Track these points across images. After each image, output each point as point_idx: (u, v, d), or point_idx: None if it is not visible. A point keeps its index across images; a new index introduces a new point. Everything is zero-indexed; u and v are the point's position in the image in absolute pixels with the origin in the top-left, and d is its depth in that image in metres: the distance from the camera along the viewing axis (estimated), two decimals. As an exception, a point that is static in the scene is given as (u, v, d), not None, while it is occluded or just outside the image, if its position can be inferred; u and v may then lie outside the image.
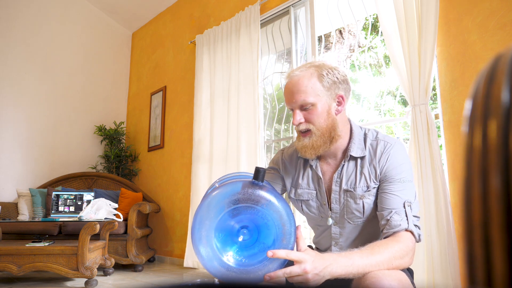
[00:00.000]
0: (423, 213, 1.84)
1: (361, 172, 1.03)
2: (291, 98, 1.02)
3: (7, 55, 3.81)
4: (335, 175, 1.06)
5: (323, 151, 1.03)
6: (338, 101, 1.04)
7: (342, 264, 0.81)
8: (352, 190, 1.03)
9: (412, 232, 0.93)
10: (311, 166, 1.12)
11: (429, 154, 1.87)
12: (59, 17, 4.32)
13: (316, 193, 1.10)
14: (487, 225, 0.23)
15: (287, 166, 1.18)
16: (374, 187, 1.01)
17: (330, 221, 1.07)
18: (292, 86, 1.02)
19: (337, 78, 1.02)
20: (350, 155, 1.05)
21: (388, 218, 0.94)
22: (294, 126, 1.05)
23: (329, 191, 1.08)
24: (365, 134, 1.08)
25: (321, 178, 1.08)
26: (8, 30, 3.82)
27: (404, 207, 0.95)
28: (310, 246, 1.24)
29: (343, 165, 1.06)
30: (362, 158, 1.04)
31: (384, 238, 0.94)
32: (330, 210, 1.07)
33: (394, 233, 0.93)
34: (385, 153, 1.01)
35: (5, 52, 3.79)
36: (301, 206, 1.14)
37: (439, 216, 1.79)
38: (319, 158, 1.11)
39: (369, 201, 1.01)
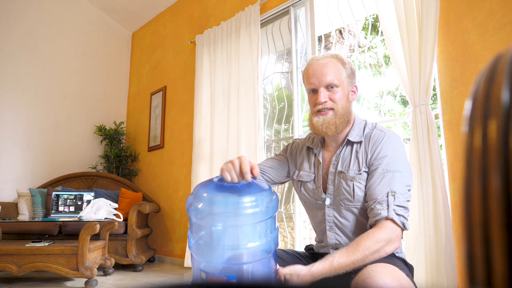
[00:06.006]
0: (422, 213, 1.83)
1: (356, 156, 1.09)
2: (319, 76, 1.07)
3: (7, 55, 3.81)
4: (334, 158, 1.13)
5: (341, 131, 1.10)
6: (352, 90, 1.13)
7: (321, 263, 0.88)
8: (345, 172, 1.08)
9: (393, 220, 0.94)
10: (315, 154, 1.20)
11: (429, 154, 1.86)
12: (59, 17, 4.32)
13: (315, 176, 1.17)
14: (487, 225, 0.23)
15: (293, 153, 1.27)
16: (365, 171, 1.06)
17: (328, 200, 1.11)
18: (321, 66, 1.08)
19: (353, 69, 1.13)
20: (348, 140, 1.12)
21: (372, 207, 0.98)
22: (315, 106, 1.10)
23: (327, 174, 1.14)
24: (365, 124, 1.15)
25: (321, 163, 1.16)
26: (8, 30, 3.82)
27: (387, 196, 0.97)
28: (310, 246, 1.24)
29: (341, 149, 1.13)
30: (359, 143, 1.10)
31: (369, 227, 0.98)
32: (326, 192, 1.13)
33: (376, 221, 0.96)
34: (377, 141, 1.07)
35: (5, 52, 3.79)
36: (300, 187, 1.20)
37: (437, 216, 1.79)
38: (323, 146, 1.19)
39: (359, 185, 1.05)
